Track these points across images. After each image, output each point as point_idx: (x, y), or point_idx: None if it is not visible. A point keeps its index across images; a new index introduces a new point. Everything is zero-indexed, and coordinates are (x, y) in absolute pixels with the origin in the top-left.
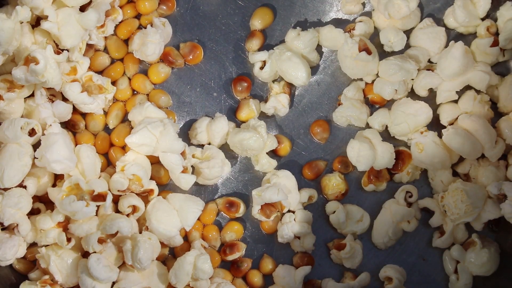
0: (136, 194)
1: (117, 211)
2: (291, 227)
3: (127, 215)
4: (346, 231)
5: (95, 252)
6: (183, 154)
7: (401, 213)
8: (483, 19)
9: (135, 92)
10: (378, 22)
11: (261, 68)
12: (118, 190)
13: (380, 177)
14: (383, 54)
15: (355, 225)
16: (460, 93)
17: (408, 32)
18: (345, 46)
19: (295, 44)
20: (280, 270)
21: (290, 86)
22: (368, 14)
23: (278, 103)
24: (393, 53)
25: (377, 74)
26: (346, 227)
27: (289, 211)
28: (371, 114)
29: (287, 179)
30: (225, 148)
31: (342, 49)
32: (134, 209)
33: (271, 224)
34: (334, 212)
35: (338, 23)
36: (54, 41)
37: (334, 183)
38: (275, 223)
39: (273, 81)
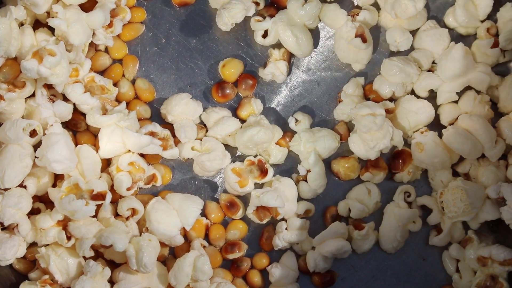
0: (144, 184)
1: (116, 214)
2: (283, 236)
3: (127, 218)
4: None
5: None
6: (154, 134)
7: (406, 216)
8: (482, 21)
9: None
10: (384, 22)
11: (263, 36)
12: (127, 189)
13: (378, 166)
14: (391, 54)
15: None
16: (460, 93)
17: (412, 34)
18: (343, 28)
19: (299, 15)
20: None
21: (290, 54)
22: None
23: (277, 70)
24: (398, 53)
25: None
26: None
27: (282, 219)
28: None
29: (288, 187)
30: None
31: (340, 30)
32: (134, 212)
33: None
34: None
35: (345, 5)
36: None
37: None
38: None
39: (273, 47)
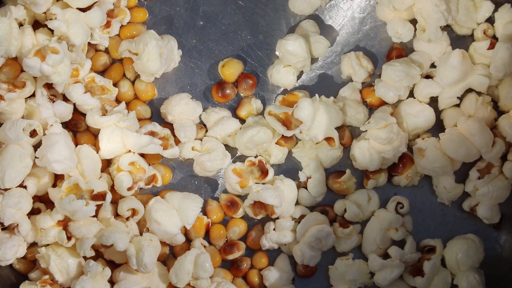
0: (144, 184)
1: (116, 214)
2: (270, 237)
3: (127, 219)
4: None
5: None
6: (153, 134)
7: (388, 219)
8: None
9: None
10: (382, 15)
11: None
12: (128, 189)
13: (377, 170)
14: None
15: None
16: (462, 96)
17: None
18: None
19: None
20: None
21: None
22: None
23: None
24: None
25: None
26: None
27: (275, 219)
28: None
29: (289, 189)
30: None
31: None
32: (134, 212)
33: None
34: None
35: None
36: None
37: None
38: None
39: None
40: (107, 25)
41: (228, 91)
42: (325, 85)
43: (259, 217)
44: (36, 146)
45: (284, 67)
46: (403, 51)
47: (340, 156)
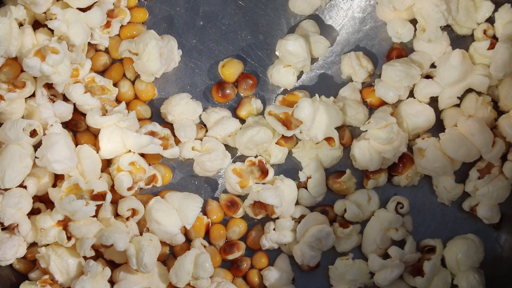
0: (144, 184)
1: (116, 214)
2: (270, 237)
3: (127, 219)
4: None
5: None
6: (154, 134)
7: (388, 219)
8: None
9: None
10: (382, 15)
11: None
12: (128, 189)
13: (377, 170)
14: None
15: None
16: (462, 96)
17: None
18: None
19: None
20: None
21: None
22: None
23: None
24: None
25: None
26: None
27: (275, 219)
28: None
29: (289, 189)
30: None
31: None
32: (134, 212)
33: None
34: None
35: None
36: None
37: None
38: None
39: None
40: (107, 25)
41: (228, 91)
42: (325, 85)
43: (259, 217)
44: (36, 146)
45: (284, 67)
46: (403, 51)
47: (340, 156)
